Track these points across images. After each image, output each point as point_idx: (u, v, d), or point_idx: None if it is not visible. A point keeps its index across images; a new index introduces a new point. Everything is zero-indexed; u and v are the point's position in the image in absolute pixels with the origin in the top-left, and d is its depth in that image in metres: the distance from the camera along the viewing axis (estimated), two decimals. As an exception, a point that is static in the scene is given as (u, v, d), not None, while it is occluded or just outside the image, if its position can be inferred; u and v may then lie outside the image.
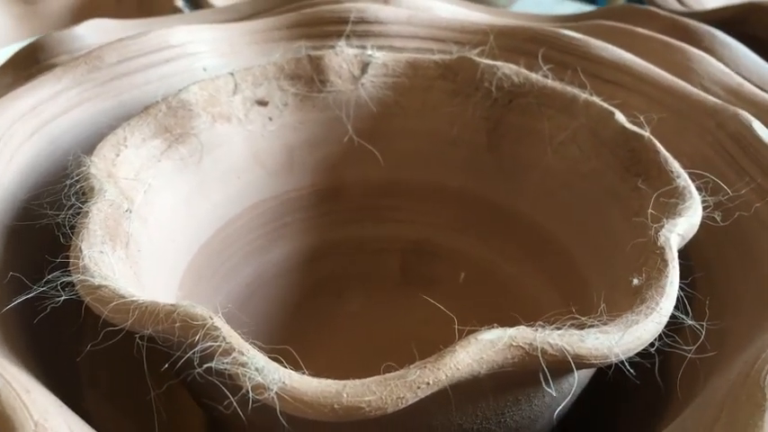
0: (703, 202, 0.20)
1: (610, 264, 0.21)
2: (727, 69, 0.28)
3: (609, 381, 0.19)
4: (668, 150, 0.22)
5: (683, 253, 0.19)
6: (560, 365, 0.16)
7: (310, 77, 0.27)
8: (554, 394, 0.18)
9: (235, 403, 0.15)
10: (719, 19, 0.38)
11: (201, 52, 0.28)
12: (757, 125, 0.23)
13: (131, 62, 0.27)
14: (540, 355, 0.15)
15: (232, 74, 0.26)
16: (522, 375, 0.16)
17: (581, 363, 0.16)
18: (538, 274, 0.26)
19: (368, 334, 0.28)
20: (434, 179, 0.28)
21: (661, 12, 0.33)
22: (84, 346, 0.22)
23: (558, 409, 0.19)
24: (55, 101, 0.25)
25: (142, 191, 0.23)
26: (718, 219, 0.20)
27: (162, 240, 0.23)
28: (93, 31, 0.32)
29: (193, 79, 0.26)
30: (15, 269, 0.20)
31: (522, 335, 0.16)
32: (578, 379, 0.18)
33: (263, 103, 0.27)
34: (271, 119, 0.27)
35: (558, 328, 0.16)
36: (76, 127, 0.25)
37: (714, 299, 0.21)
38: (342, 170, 0.28)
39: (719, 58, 0.31)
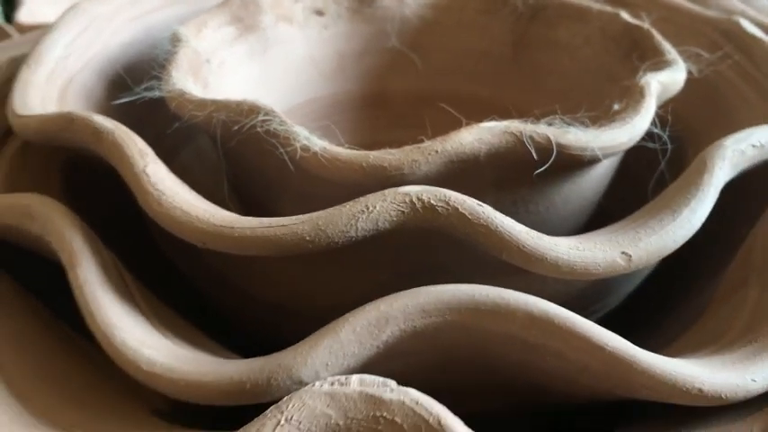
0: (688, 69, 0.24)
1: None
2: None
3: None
4: None
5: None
6: (546, 152, 0.19)
7: (361, -7, 0.32)
8: (546, 205, 0.22)
9: (286, 153, 0.19)
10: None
11: (271, -25, 0.33)
12: (744, 22, 0.26)
13: (212, -23, 0.32)
14: (529, 141, 0.19)
15: (295, -15, 0.31)
16: (517, 168, 0.20)
17: (563, 151, 0.19)
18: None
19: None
20: (467, 89, 0.32)
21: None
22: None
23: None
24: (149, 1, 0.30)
25: (217, 61, 0.27)
26: (695, 72, 0.23)
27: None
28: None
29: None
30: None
31: (515, 124, 0.19)
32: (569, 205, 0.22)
33: (320, 12, 0.31)
34: (326, 27, 0.31)
35: (548, 124, 0.20)
36: (165, 21, 0.30)
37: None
38: (385, 79, 0.33)
39: None
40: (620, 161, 0.24)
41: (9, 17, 0.71)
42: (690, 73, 0.23)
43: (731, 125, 0.24)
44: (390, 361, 0.16)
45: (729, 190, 0.21)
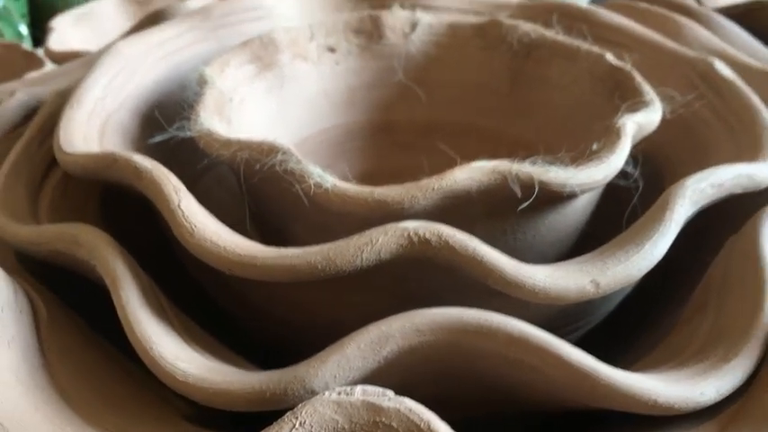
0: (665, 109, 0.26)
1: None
2: (713, 36, 0.34)
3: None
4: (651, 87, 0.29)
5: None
6: (529, 189, 0.22)
7: (370, 32, 0.34)
8: (533, 233, 0.24)
9: (301, 189, 0.21)
10: (730, 15, 0.44)
11: (286, 14, 0.36)
12: (718, 64, 0.29)
13: (232, 16, 0.35)
14: (514, 177, 0.22)
15: (310, 25, 0.34)
16: (505, 202, 0.22)
17: (544, 187, 0.22)
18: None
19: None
20: (466, 120, 0.35)
21: (668, -4, 0.39)
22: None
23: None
24: (176, 39, 0.33)
25: (238, 98, 0.30)
26: (667, 114, 0.26)
27: (250, 140, 0.31)
28: (201, 3, 0.40)
29: (279, 31, 0.34)
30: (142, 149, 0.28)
31: (503, 164, 0.22)
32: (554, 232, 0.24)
33: (332, 49, 0.34)
34: (337, 63, 0.34)
35: (532, 164, 0.22)
36: (191, 60, 0.33)
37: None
38: (392, 110, 0.35)
39: (716, 35, 0.37)
40: (602, 192, 0.27)
41: (36, 38, 0.74)
42: (664, 113, 0.26)
43: (705, 160, 0.27)
44: (390, 374, 0.19)
45: (705, 220, 0.24)
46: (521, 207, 0.22)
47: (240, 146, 0.23)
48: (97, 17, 0.63)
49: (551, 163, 0.22)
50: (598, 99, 0.29)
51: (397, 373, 0.19)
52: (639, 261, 0.20)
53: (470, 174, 0.22)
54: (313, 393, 0.17)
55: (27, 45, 0.74)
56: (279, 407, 0.18)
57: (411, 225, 0.19)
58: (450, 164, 0.33)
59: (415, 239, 0.19)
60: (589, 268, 0.20)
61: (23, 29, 0.75)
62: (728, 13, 0.44)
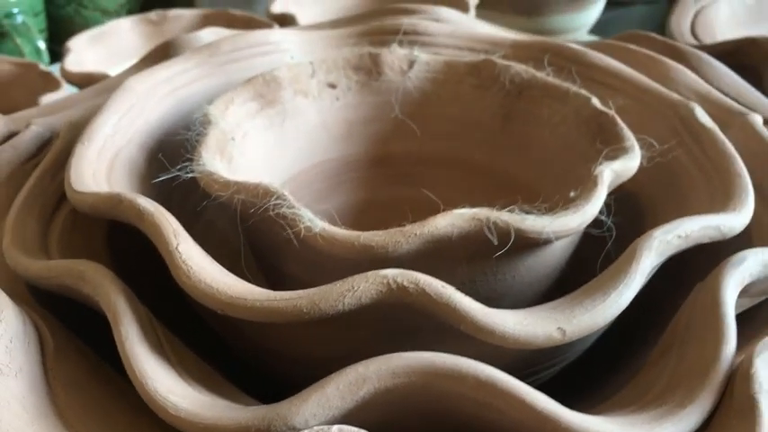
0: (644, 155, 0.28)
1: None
2: (699, 79, 0.35)
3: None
4: (636, 130, 0.30)
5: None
6: (506, 235, 0.23)
7: (369, 69, 0.36)
8: (512, 274, 0.26)
9: (292, 233, 0.23)
10: (723, 51, 0.45)
11: (290, 49, 0.38)
12: (698, 111, 0.30)
13: (240, 52, 0.37)
14: (492, 225, 0.23)
15: (311, 62, 0.35)
16: (483, 247, 0.24)
17: (521, 235, 0.23)
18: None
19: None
20: (460, 154, 0.37)
21: (659, 37, 0.40)
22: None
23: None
24: (183, 74, 0.35)
25: (241, 134, 0.32)
26: (645, 162, 0.27)
27: (252, 174, 0.32)
28: (211, 35, 0.42)
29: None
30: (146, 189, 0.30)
31: (482, 211, 0.23)
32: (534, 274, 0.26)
33: (332, 85, 0.36)
34: (338, 98, 0.36)
35: (510, 212, 0.24)
36: (197, 94, 0.35)
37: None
38: (389, 143, 0.37)
39: (703, 75, 0.38)
40: (580, 236, 0.28)
41: (54, 52, 0.76)
42: (642, 160, 0.27)
43: (683, 205, 0.28)
44: (369, 411, 0.20)
45: (682, 262, 0.25)
46: (498, 253, 0.23)
47: (237, 188, 0.25)
48: (112, 37, 0.65)
49: (528, 211, 0.24)
50: (583, 140, 0.31)
51: (377, 411, 0.20)
52: (605, 310, 0.21)
53: (451, 220, 0.23)
54: (294, 430, 0.19)
55: (45, 61, 0.76)
56: (263, 442, 0.19)
57: (390, 273, 0.21)
58: (443, 197, 0.35)
59: (394, 286, 0.20)
60: (557, 315, 0.21)
61: (41, 44, 0.78)
62: (720, 48, 0.45)
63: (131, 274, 0.25)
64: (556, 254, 0.27)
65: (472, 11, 0.65)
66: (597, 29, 0.82)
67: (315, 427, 0.18)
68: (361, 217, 0.37)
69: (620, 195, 0.28)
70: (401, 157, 0.37)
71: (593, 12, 0.78)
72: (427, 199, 0.38)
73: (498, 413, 0.19)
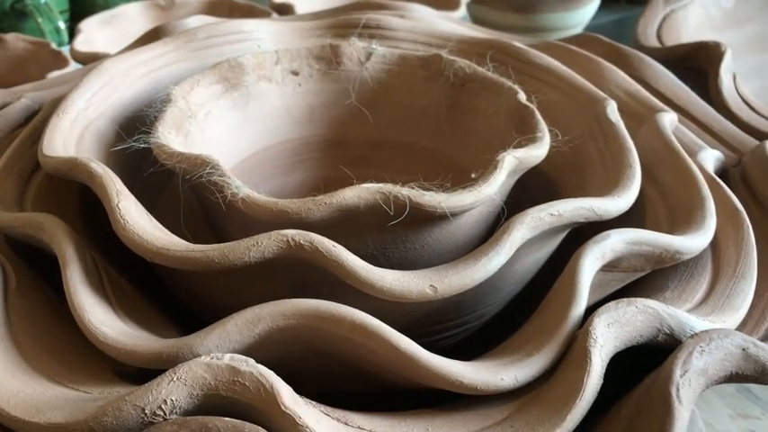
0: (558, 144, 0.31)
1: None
2: (629, 78, 0.38)
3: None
4: (562, 122, 0.33)
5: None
6: (403, 208, 0.27)
7: (330, 59, 0.39)
8: (421, 243, 0.29)
9: (220, 197, 0.27)
10: (676, 54, 0.48)
11: (262, 38, 0.42)
12: (610, 108, 0.33)
13: (215, 39, 0.40)
14: (392, 199, 0.27)
15: (276, 51, 0.39)
16: (390, 217, 0.27)
17: (418, 208, 0.27)
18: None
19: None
20: (410, 139, 0.40)
21: (605, 39, 0.43)
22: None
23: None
24: (160, 58, 0.39)
25: (204, 112, 0.35)
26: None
27: (213, 149, 0.36)
28: (196, 22, 0.46)
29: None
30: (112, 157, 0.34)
31: (386, 186, 0.27)
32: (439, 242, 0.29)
33: (295, 72, 0.39)
34: (300, 84, 0.39)
35: (412, 188, 0.27)
36: (172, 76, 0.38)
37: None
38: (346, 127, 0.40)
39: (641, 75, 0.41)
40: (493, 212, 0.31)
41: (74, 33, 0.81)
42: (553, 148, 0.30)
43: (584, 189, 0.31)
44: (268, 350, 0.24)
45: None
46: (393, 222, 0.27)
47: (180, 158, 0.29)
48: (122, 20, 0.69)
49: (428, 188, 0.27)
50: (509, 129, 0.34)
51: (275, 349, 0.24)
52: (474, 273, 0.24)
53: (358, 192, 0.27)
54: (198, 356, 0.23)
55: (64, 40, 0.81)
56: (173, 366, 0.23)
57: (290, 232, 0.24)
58: (393, 178, 0.39)
59: (293, 243, 0.24)
60: (432, 275, 0.24)
61: (62, 24, 0.82)
62: (674, 51, 0.48)
63: (97, 232, 0.29)
64: (463, 228, 0.30)
65: (463, 8, 0.68)
66: (616, 27, 0.85)
67: (211, 354, 0.22)
68: (318, 193, 0.41)
69: (543, 180, 0.32)
70: (357, 141, 0.41)
71: (588, 10, 0.80)
72: (380, 179, 0.42)
73: (372, 353, 0.23)
